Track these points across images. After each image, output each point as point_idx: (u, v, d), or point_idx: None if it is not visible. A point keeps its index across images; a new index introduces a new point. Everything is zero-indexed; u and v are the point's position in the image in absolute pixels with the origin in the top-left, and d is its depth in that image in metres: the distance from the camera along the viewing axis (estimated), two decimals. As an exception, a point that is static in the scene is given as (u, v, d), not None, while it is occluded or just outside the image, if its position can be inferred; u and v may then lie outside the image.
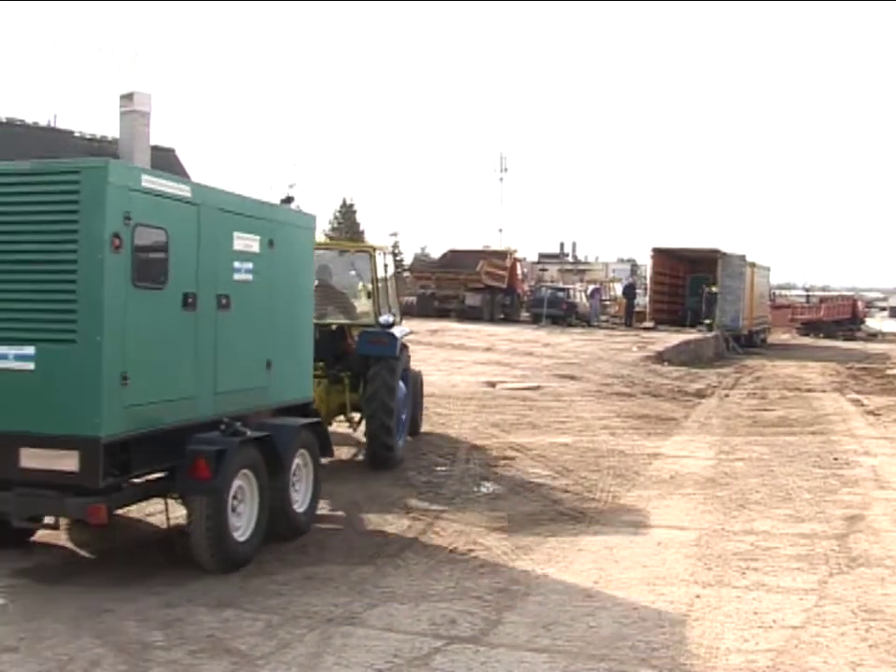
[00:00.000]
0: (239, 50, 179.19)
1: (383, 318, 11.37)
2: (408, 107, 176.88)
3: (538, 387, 18.58)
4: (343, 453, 11.41)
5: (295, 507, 8.10)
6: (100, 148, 21.52)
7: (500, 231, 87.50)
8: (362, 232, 61.86)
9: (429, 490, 10.16)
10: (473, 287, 36.73)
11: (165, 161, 19.18)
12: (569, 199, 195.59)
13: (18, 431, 6.38)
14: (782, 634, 6.06)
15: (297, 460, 8.12)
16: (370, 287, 11.74)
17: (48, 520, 7.10)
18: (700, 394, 19.54)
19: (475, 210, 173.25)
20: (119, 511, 7.33)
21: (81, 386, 6.28)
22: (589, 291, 43.83)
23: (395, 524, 8.77)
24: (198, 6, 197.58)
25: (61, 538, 7.88)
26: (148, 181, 6.69)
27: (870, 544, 8.22)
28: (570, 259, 76.75)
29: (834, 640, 5.95)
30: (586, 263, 73.38)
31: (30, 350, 6.37)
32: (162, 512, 7.60)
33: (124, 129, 7.96)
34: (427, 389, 13.93)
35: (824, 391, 20.64)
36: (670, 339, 29.79)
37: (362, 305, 12.04)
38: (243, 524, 7.29)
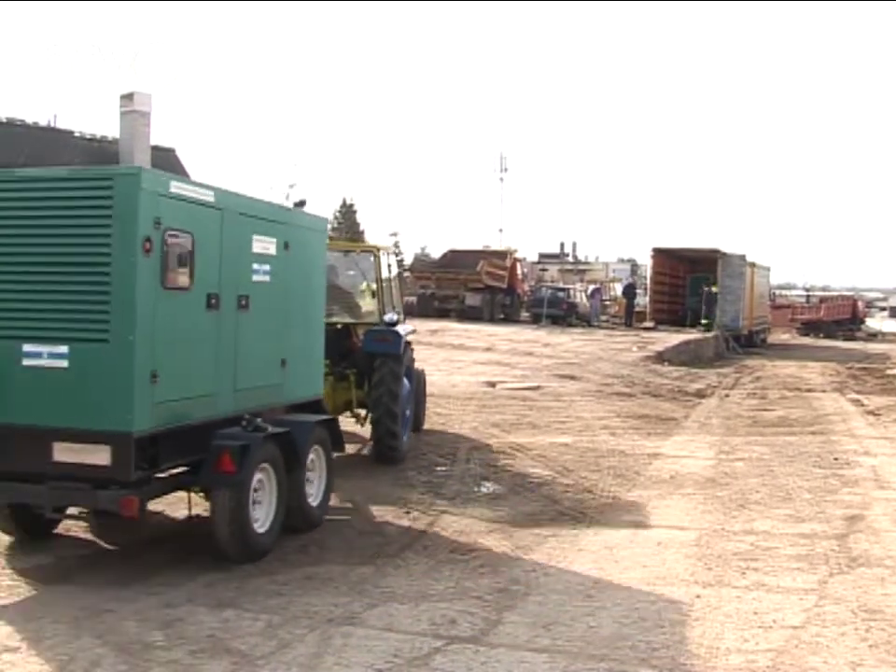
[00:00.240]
0: (239, 50, 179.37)
1: (387, 317, 11.55)
2: (408, 107, 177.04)
3: (538, 387, 18.58)
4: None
5: (310, 500, 8.36)
6: (100, 148, 21.47)
7: (500, 230, 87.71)
8: (362, 232, 61.77)
9: (429, 490, 10.16)
10: (473, 286, 36.72)
11: (165, 161, 19.10)
12: (569, 199, 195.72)
13: (51, 426, 6.53)
14: (782, 634, 6.06)
15: (312, 455, 8.37)
16: (374, 286, 11.89)
17: (72, 511, 7.30)
18: (700, 394, 19.54)
19: (475, 210, 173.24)
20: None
21: (113, 384, 6.46)
22: (589, 291, 43.80)
23: (395, 524, 8.78)
24: (198, 6, 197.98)
25: (61, 538, 7.89)
26: (177, 187, 6.88)
27: (870, 544, 8.22)
28: (570, 258, 76.73)
29: (834, 640, 5.95)
30: (586, 263, 73.38)
31: (63, 349, 6.54)
32: (162, 512, 7.62)
33: (124, 129, 8.04)
34: (427, 389, 13.96)
35: (824, 391, 20.64)
36: (670, 339, 29.78)
37: (367, 304, 12.20)
38: (262, 516, 7.51)
